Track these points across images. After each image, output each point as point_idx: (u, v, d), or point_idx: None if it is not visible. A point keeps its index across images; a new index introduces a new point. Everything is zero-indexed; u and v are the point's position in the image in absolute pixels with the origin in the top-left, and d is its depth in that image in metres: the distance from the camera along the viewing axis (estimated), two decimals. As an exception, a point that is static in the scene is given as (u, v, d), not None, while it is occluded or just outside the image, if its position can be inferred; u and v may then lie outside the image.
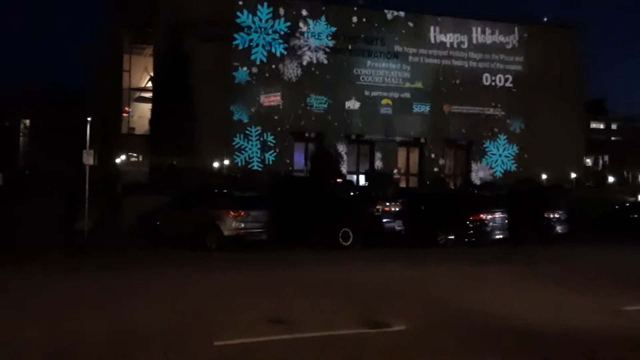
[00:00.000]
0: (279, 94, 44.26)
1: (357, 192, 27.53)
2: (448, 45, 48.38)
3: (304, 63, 45.01)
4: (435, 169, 47.34)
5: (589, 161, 64.89)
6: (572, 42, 49.53)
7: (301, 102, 44.79)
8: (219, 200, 20.30)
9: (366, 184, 41.69)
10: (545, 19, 51.15)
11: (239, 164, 42.63)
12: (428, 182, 44.65)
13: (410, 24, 47.38)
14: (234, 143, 43.20)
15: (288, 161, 44.05)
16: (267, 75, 44.00)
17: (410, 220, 21.72)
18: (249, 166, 42.56)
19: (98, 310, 10.70)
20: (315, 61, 45.27)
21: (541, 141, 48.30)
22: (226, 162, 41.84)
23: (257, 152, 43.45)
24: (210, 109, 40.77)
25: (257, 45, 44.03)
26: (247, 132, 43.57)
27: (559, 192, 31.87)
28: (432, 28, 48.02)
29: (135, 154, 46.31)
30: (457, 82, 47.98)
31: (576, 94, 49.43)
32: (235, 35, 43.55)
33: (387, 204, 22.33)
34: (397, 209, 22.15)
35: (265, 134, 43.83)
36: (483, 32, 49.18)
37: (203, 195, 21.37)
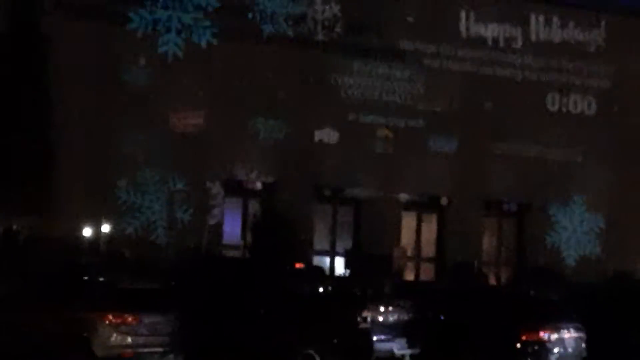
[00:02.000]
0: (202, 112, 44.06)
1: (330, 288, 29.74)
2: (490, 42, 49.26)
3: (248, 62, 44.41)
4: (466, 251, 46.92)
5: None
6: None
7: (240, 128, 44.60)
8: (90, 294, 21.27)
9: (346, 273, 41.94)
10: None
11: (129, 232, 42.42)
12: (453, 273, 44.33)
13: (428, 6, 48.29)
14: (119, 195, 42.81)
15: (214, 228, 43.85)
16: (183, 80, 43.76)
17: (422, 337, 23.10)
18: (149, 236, 42.56)
19: None
20: (266, 60, 44.62)
21: None
22: (105, 227, 41.79)
23: (160, 212, 43.02)
24: (81, 132, 40.88)
25: (169, 29, 44.09)
26: (145, 175, 43.06)
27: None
28: (463, 13, 48.88)
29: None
30: (504, 103, 48.56)
31: None
32: (131, 14, 43.54)
33: (382, 309, 24.28)
34: (399, 319, 24.06)
35: (172, 180, 43.44)
36: (548, 24, 50.27)
37: (63, 285, 22.16)
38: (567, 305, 25.00)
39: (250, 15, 45.10)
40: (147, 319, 20.76)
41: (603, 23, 50.74)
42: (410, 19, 47.54)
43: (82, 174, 40.70)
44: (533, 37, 49.62)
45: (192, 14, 44.29)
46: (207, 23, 44.40)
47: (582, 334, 23.45)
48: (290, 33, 45.66)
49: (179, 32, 44.02)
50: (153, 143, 43.04)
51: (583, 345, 23.34)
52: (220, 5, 44.65)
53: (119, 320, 20.49)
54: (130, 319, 20.59)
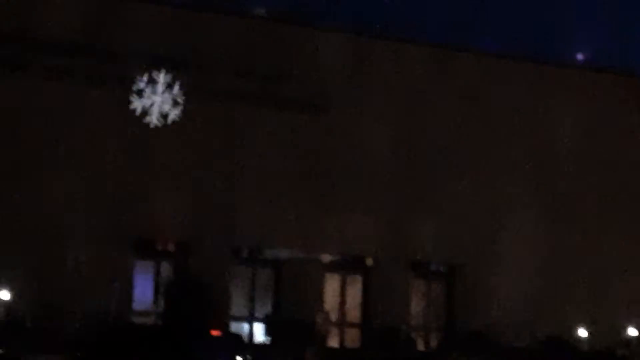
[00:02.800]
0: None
1: (248, 356, 31.66)
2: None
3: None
4: (393, 316, 46.53)
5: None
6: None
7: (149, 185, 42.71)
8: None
9: (267, 341, 42.48)
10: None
11: (28, 298, 40.34)
12: (378, 339, 43.87)
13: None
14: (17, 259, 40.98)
15: (123, 293, 41.61)
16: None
17: None
18: (50, 305, 40.13)
19: None
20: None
21: (581, 270, 49.30)
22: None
23: (60, 272, 41.34)
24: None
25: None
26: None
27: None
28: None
29: None
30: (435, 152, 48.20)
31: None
32: None
33: None
34: None
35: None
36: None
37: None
38: None
39: None
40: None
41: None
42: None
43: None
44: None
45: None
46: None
47: None
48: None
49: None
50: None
51: None
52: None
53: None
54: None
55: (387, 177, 47.19)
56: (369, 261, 47.38)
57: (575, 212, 50.01)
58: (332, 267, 47.39)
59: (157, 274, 44.15)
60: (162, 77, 44.47)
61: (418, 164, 47.89)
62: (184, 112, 43.92)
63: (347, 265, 47.67)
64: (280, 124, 45.65)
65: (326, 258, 46.74)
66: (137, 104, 43.90)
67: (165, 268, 44.11)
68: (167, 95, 44.42)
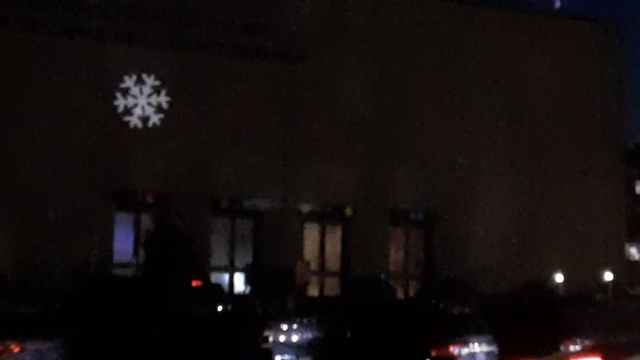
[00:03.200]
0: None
1: (229, 306, 30.40)
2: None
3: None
4: (372, 264, 46.77)
5: (634, 251, 66.00)
6: (607, 47, 51.69)
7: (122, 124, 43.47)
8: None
9: (247, 291, 42.67)
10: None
11: (9, 252, 40.87)
12: (358, 288, 44.11)
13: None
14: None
15: (103, 246, 42.66)
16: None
17: (328, 356, 22.26)
18: (31, 258, 40.55)
19: None
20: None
21: (557, 216, 49.58)
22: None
23: (40, 226, 41.41)
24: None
25: None
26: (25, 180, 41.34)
27: (586, 308, 33.08)
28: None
29: None
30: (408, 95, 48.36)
31: (614, 135, 51.56)
32: None
33: (284, 327, 24.14)
34: (303, 337, 23.82)
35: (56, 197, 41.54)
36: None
37: None
38: (477, 319, 24.25)
39: None
40: (30, 346, 20.12)
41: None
42: None
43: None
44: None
45: None
46: None
47: (493, 349, 22.74)
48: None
49: None
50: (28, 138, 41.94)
51: (495, 358, 22.68)
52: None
53: (0, 349, 19.90)
54: (13, 346, 19.96)
55: (365, 127, 47.58)
56: (348, 211, 47.53)
57: (552, 159, 50.35)
58: (311, 218, 47.54)
59: (137, 226, 44.13)
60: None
61: (396, 113, 48.17)
62: (162, 63, 44.60)
63: (325, 216, 47.84)
64: (259, 75, 45.84)
65: (305, 208, 46.98)
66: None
67: (145, 220, 43.99)
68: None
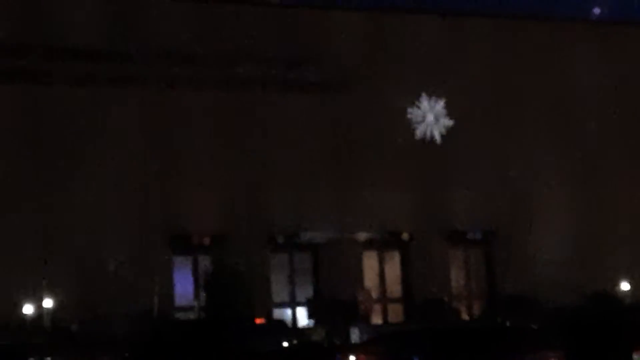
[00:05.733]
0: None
1: (294, 341, 29.93)
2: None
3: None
4: (434, 287, 46.86)
5: None
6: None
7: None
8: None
9: (310, 324, 42.40)
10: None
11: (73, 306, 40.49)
12: (421, 312, 44.66)
13: None
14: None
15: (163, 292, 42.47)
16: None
17: None
18: (94, 308, 40.43)
19: None
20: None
21: (619, 224, 49.45)
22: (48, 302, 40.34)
23: (101, 275, 41.58)
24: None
25: None
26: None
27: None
28: None
29: None
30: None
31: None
32: None
33: (352, 358, 23.68)
34: None
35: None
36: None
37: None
38: (546, 332, 24.45)
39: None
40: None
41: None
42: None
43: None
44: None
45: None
46: None
47: None
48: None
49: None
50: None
51: None
52: None
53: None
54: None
55: (416, 150, 47.62)
56: (405, 236, 47.32)
57: (607, 168, 50.04)
58: (369, 246, 47.34)
59: (195, 269, 44.23)
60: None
61: (447, 133, 48.30)
62: (209, 103, 44.61)
63: (383, 243, 47.52)
64: (304, 108, 45.95)
65: (362, 236, 46.64)
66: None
67: (203, 261, 43.83)
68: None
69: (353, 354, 26.03)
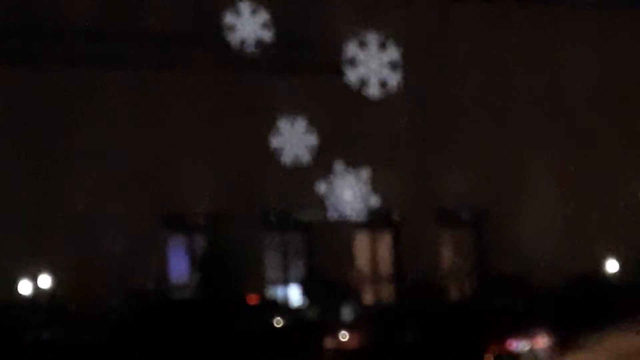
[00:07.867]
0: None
1: (286, 320, 29.72)
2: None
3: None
4: (425, 267, 46.71)
5: None
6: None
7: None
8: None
9: (304, 302, 42.24)
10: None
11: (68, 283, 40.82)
12: (412, 291, 44.82)
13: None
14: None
15: (157, 269, 42.91)
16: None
17: None
18: (90, 288, 40.51)
19: None
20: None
21: (609, 205, 49.31)
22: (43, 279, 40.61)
23: (96, 255, 41.89)
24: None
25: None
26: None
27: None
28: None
29: None
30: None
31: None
32: None
33: (347, 334, 23.69)
34: (362, 345, 23.88)
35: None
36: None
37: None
38: (535, 313, 24.73)
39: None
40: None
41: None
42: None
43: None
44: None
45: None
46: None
47: (552, 341, 23.14)
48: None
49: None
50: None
51: (554, 353, 22.66)
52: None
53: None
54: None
55: (407, 129, 47.55)
56: (396, 215, 47.46)
57: (596, 149, 50.15)
58: (360, 226, 47.24)
59: (191, 247, 44.33)
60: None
61: (438, 114, 48.24)
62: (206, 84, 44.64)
63: (373, 223, 47.27)
64: (300, 88, 45.91)
65: (354, 217, 46.38)
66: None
67: (198, 241, 44.26)
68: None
69: (345, 331, 26.08)
